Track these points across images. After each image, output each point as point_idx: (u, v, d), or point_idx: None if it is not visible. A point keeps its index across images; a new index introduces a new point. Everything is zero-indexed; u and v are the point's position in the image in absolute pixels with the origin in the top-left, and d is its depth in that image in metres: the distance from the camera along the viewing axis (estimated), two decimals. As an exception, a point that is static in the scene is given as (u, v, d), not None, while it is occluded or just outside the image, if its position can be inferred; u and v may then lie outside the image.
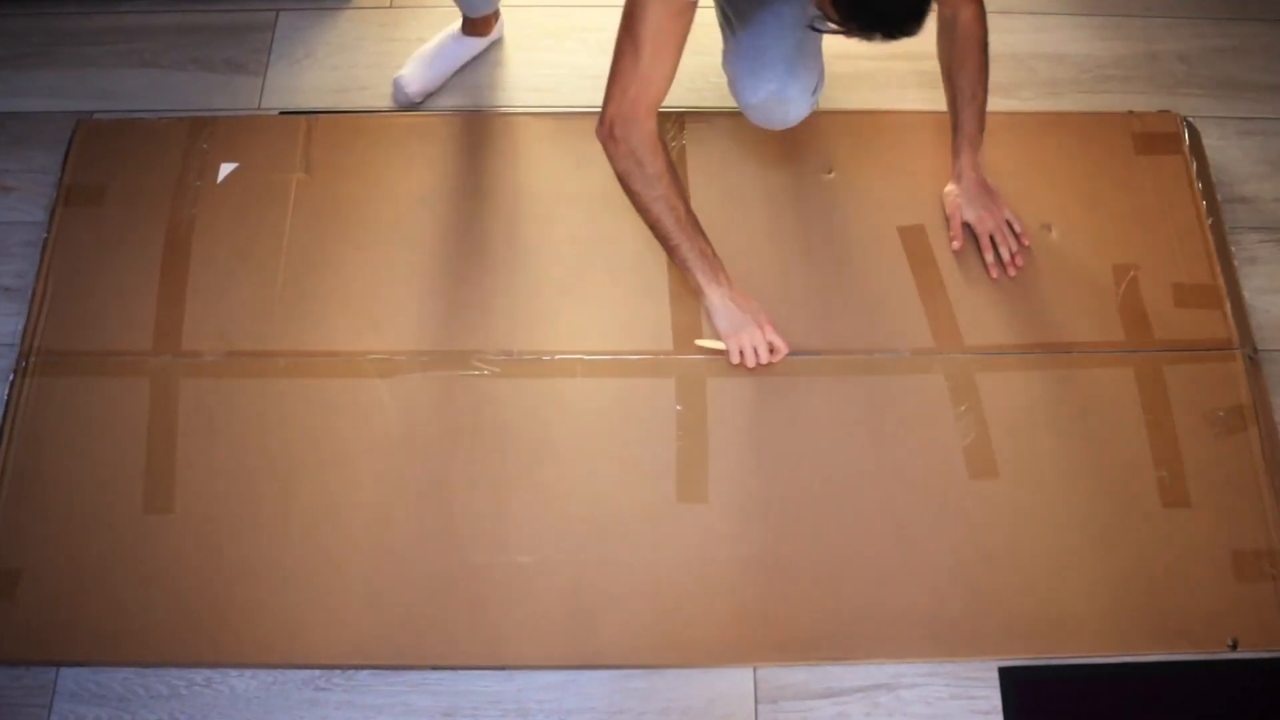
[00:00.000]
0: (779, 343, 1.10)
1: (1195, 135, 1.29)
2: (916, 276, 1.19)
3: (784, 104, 1.08)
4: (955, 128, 1.15)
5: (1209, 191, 1.25)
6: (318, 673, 1.02)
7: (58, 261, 1.19)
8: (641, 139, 0.99)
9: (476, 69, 1.36)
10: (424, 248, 1.21)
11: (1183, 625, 1.03)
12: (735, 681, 1.02)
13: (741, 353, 1.10)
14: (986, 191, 1.19)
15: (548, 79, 1.35)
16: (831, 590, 1.04)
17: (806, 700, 1.01)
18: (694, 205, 1.22)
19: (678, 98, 1.34)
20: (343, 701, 1.01)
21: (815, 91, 1.10)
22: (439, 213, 1.23)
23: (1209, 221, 1.22)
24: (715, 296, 1.07)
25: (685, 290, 1.18)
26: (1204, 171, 1.26)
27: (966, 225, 1.19)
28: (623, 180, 1.02)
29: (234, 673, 1.02)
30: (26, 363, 1.14)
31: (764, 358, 1.10)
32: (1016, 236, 1.19)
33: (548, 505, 1.08)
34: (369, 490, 1.08)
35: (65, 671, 1.02)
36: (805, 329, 1.17)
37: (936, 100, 1.34)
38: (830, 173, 1.25)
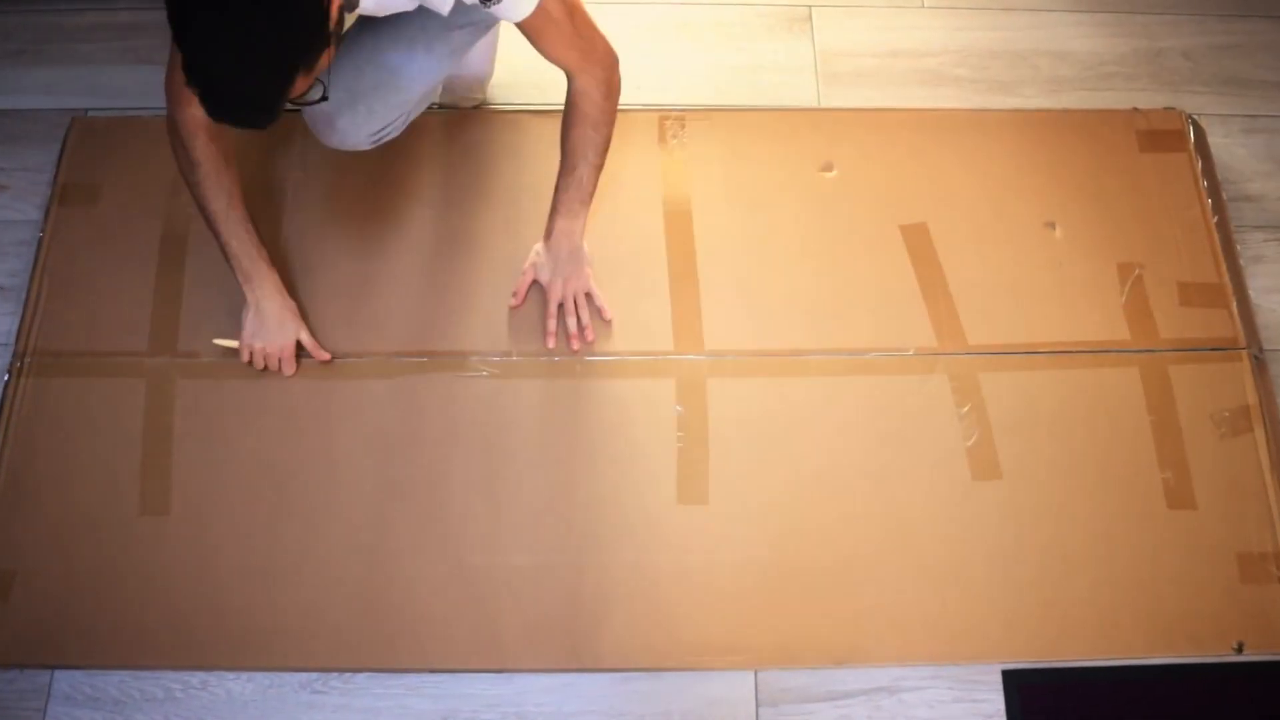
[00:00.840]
0: (289, 364, 1.09)
1: (1200, 133, 1.28)
2: (919, 275, 1.18)
3: (330, 122, 1.01)
4: (555, 189, 1.08)
5: (1214, 190, 1.24)
6: (315, 676, 1.01)
7: (52, 261, 1.18)
8: (183, 120, 0.96)
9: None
10: (422, 246, 1.20)
11: (1188, 628, 1.02)
12: (736, 684, 1.01)
13: (252, 354, 1.09)
14: (575, 259, 1.11)
15: (549, 75, 1.34)
16: (833, 592, 1.03)
17: (808, 703, 1.01)
18: (694, 204, 1.22)
19: (678, 96, 1.34)
20: (340, 705, 1.00)
21: (379, 133, 1.04)
22: (438, 211, 1.22)
23: (1214, 220, 1.21)
24: (249, 298, 1.06)
25: (687, 289, 1.17)
26: (1209, 170, 1.25)
27: (538, 285, 1.13)
28: (175, 153, 0.99)
29: (230, 676, 1.01)
30: (21, 363, 1.13)
31: (273, 367, 1.10)
32: (599, 310, 1.13)
33: (547, 507, 1.07)
34: (366, 492, 1.07)
35: (60, 674, 1.01)
36: (807, 329, 1.16)
37: (940, 98, 1.34)
38: (831, 171, 1.24)
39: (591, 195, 1.08)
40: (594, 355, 1.14)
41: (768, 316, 1.16)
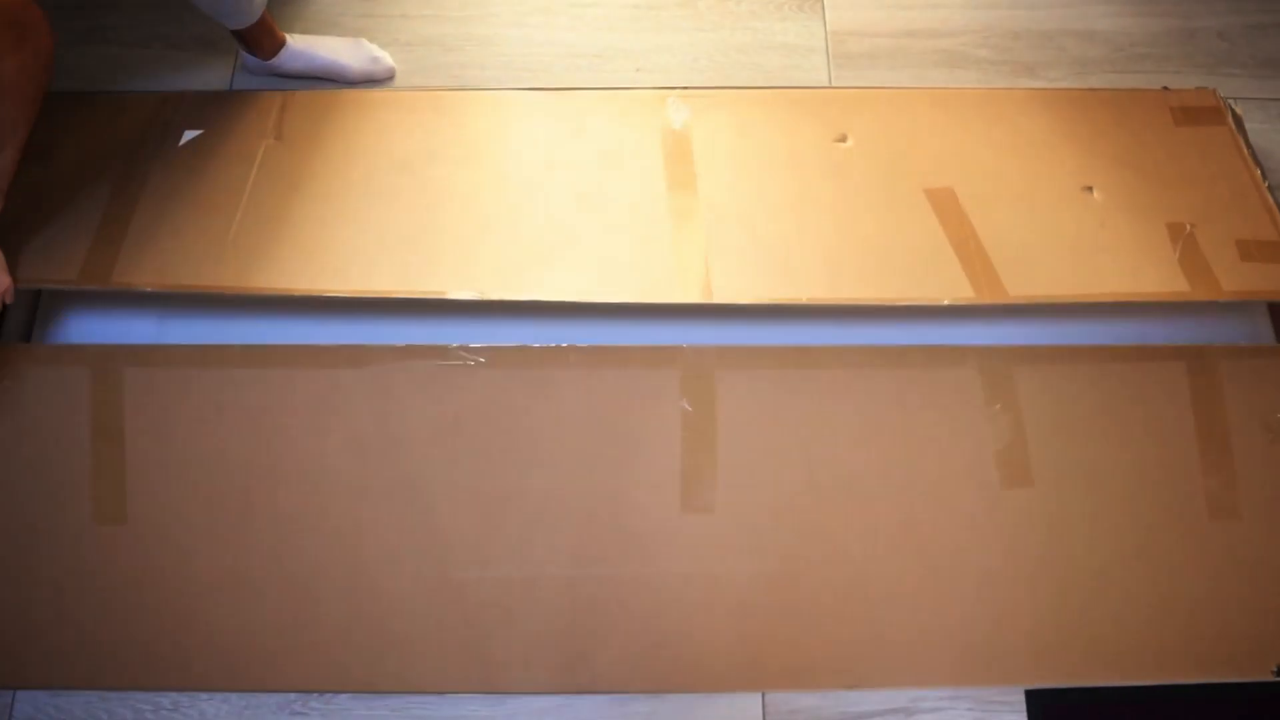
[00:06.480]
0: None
1: (1237, 119, 1.21)
2: (949, 233, 1.09)
3: None
4: None
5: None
6: (294, 696, 0.98)
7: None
8: None
9: (461, 49, 1.29)
10: (400, 224, 1.10)
11: (1227, 650, 0.97)
12: (743, 707, 0.98)
13: None
14: None
15: (539, 59, 1.28)
16: (848, 609, 0.98)
17: (820, 727, 0.96)
18: (698, 188, 1.15)
19: (680, 78, 1.27)
20: (319, 728, 0.95)
21: None
22: (420, 176, 1.13)
23: (1265, 184, 1.14)
24: None
25: (691, 232, 1.09)
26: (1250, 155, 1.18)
27: None
28: None
29: (203, 697, 0.98)
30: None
31: None
32: None
33: (540, 515, 1.01)
34: (340, 497, 1.00)
35: (22, 695, 0.98)
36: (833, 281, 1.06)
37: (959, 81, 1.28)
38: (846, 141, 1.16)
39: None
40: (587, 341, 1.06)
41: (781, 267, 1.07)
